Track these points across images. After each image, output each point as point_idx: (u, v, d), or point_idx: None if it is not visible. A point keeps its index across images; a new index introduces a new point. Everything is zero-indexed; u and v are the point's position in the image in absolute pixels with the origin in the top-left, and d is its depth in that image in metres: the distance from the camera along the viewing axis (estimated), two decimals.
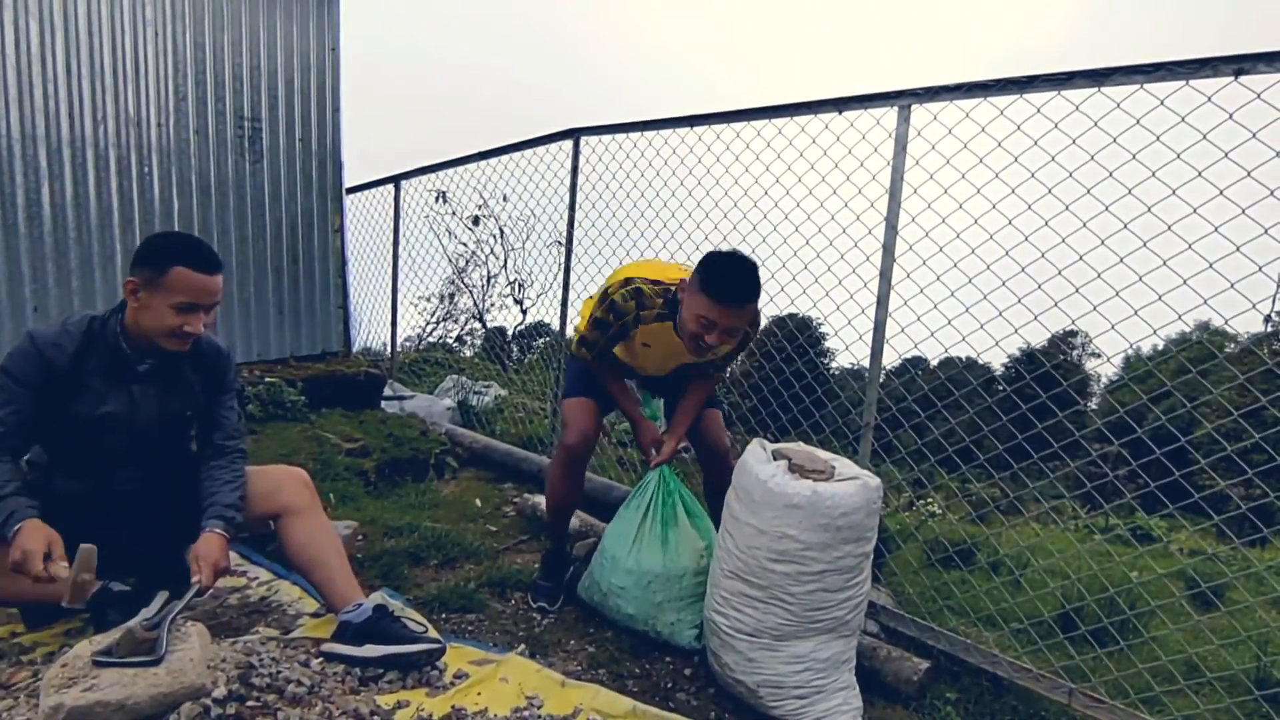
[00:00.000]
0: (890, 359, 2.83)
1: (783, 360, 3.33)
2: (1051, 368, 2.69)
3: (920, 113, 2.63)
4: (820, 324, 3.81)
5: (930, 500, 3.74)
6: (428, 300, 8.61)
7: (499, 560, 2.91)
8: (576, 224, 3.99)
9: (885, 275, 2.69)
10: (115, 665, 1.56)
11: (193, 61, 3.96)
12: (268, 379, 3.89)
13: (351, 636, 1.98)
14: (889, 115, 2.69)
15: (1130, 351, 2.40)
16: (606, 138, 3.78)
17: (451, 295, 8.82)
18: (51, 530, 1.78)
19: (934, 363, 3.20)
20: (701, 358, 2.35)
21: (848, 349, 2.81)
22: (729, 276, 2.15)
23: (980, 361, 2.88)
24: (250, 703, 1.64)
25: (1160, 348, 3.00)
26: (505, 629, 2.44)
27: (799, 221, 2.98)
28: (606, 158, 3.79)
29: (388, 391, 4.85)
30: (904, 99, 2.64)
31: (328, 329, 4.74)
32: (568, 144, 3.97)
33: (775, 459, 2.22)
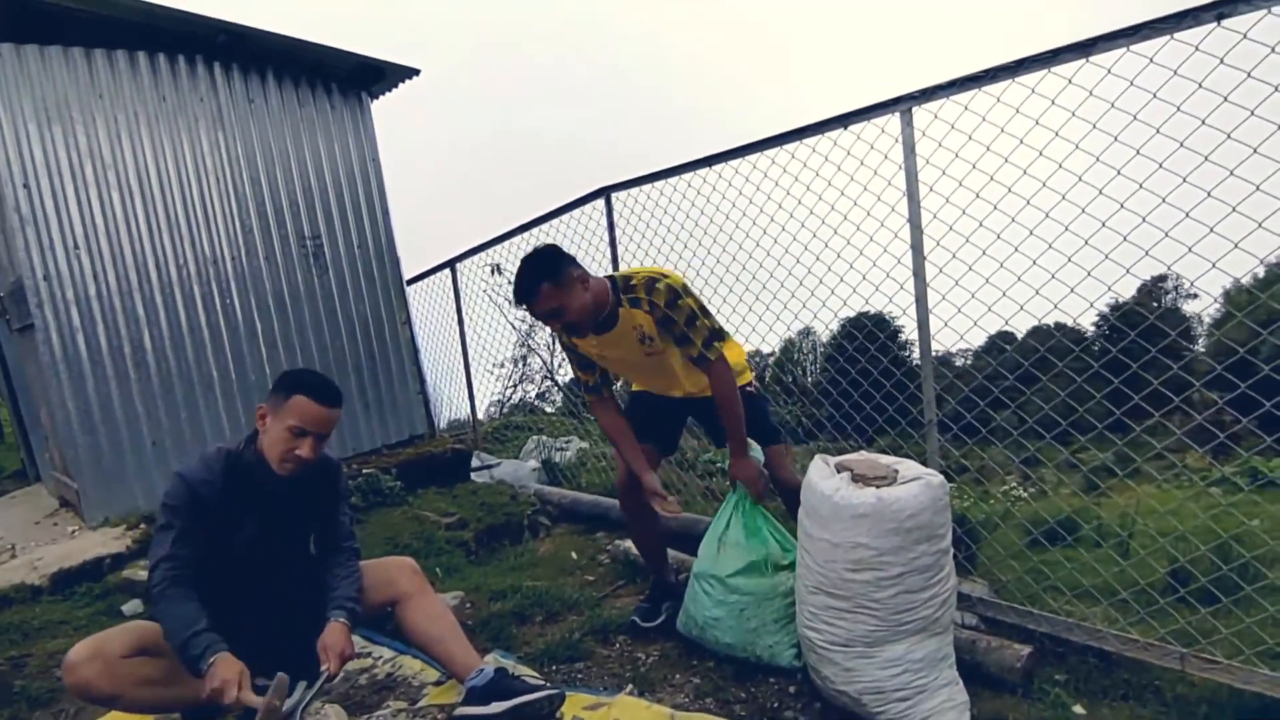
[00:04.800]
0: (978, 338, 2.83)
1: (867, 361, 3.31)
2: (1155, 320, 2.65)
3: (922, 113, 2.70)
4: (897, 319, 3.82)
5: (1014, 486, 3.70)
6: (501, 366, 8.96)
7: (599, 608, 3.04)
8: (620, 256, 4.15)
9: (919, 274, 2.74)
10: None
11: (253, 197, 4.38)
12: (365, 470, 4.17)
13: (479, 698, 2.15)
14: (893, 121, 2.77)
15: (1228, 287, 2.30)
16: (635, 190, 3.95)
17: (524, 357, 9.15)
18: (240, 663, 1.98)
19: (1022, 335, 3.16)
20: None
21: (905, 342, 2.86)
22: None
23: (1072, 326, 2.82)
24: None
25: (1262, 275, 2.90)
26: (612, 672, 2.56)
27: (827, 238, 3.06)
28: (638, 209, 3.96)
29: (475, 462, 5.09)
30: (903, 104, 2.71)
31: (411, 414, 5.06)
32: (600, 202, 4.16)
33: (838, 472, 2.29)
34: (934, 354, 2.81)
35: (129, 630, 2.20)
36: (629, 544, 3.54)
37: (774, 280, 3.33)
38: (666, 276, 2.50)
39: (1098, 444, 2.89)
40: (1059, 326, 2.93)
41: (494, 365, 8.42)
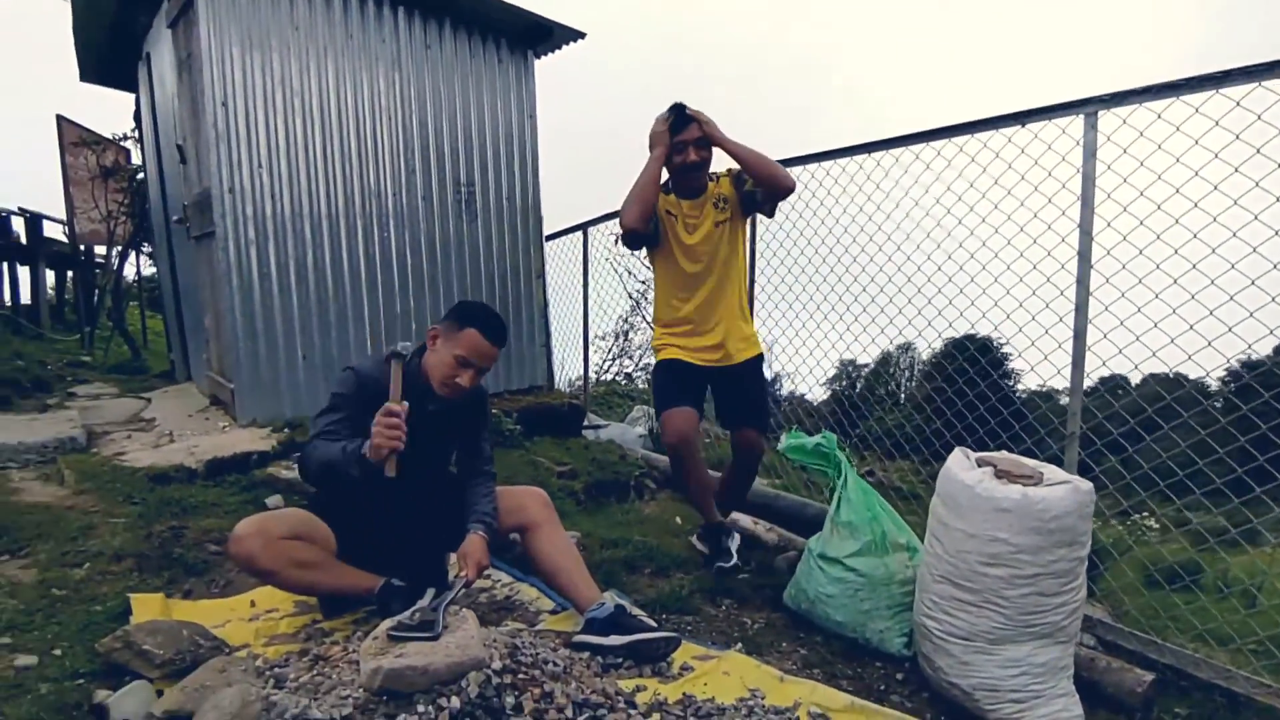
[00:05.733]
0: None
1: (964, 384, 3.32)
2: None
3: (1108, 118, 2.63)
4: (1003, 344, 3.77)
5: (1147, 515, 3.57)
6: (603, 339, 9.11)
7: (706, 570, 3.10)
8: (758, 254, 4.18)
9: (1082, 282, 2.68)
10: (404, 638, 1.88)
11: (419, 138, 4.61)
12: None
13: (598, 629, 2.25)
14: (1075, 124, 2.70)
15: None
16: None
17: (625, 333, 9.28)
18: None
19: (1135, 381, 3.05)
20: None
21: (1046, 358, 2.81)
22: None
23: (1191, 378, 2.75)
24: (520, 675, 1.92)
25: None
26: (720, 630, 2.63)
27: (986, 236, 3.02)
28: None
29: (585, 421, 5.25)
30: (1089, 106, 2.65)
31: (534, 365, 5.28)
32: None
33: (979, 466, 2.28)
34: (1040, 387, 2.75)
35: (289, 514, 2.40)
36: (735, 515, 3.58)
37: (921, 274, 3.29)
38: None
39: (1197, 506, 2.77)
40: (1175, 378, 2.82)
41: (595, 337, 8.61)
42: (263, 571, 2.26)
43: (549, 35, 5.00)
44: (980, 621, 2.18)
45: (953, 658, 2.24)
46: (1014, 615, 2.14)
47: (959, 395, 3.33)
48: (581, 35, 5.04)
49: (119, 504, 3.09)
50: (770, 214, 3.12)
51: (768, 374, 3.94)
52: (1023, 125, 2.87)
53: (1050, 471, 2.24)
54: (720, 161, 2.97)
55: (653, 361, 3.34)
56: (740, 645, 2.47)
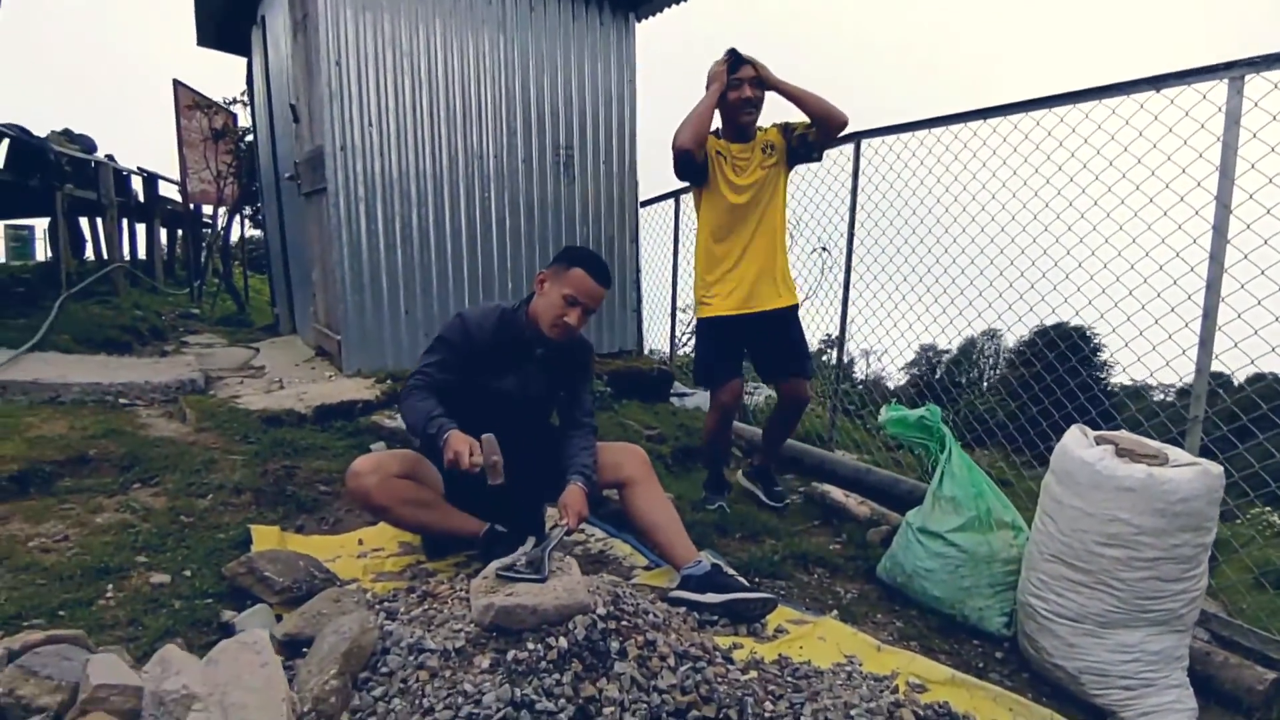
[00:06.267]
0: (1185, 371, 2.65)
1: (1065, 373, 3.21)
2: None
3: (1257, 83, 2.47)
4: (1095, 335, 3.61)
5: (1270, 509, 3.38)
6: (683, 311, 9.08)
7: (796, 538, 3.08)
8: (857, 224, 4.07)
9: (1216, 258, 2.53)
10: (513, 578, 1.94)
11: (520, 102, 4.67)
12: None
13: (695, 586, 2.27)
14: (1217, 89, 2.54)
15: None
16: (891, 138, 3.84)
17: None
18: (469, 437, 2.16)
19: (1239, 379, 2.88)
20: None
21: (1171, 337, 2.67)
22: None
23: None
24: (623, 623, 1.95)
25: None
26: (813, 597, 2.61)
27: (1110, 207, 2.87)
28: (891, 158, 3.85)
29: (671, 388, 5.27)
30: (1236, 70, 2.49)
31: (625, 329, 5.33)
32: (848, 148, 4.05)
33: (1097, 444, 2.19)
34: (1134, 383, 2.61)
35: (402, 456, 2.49)
36: (826, 489, 3.56)
37: (1036, 246, 3.16)
38: None
39: None
40: None
41: (680, 307, 8.59)
42: (376, 507, 2.36)
43: None
44: (1092, 603, 2.11)
45: (1059, 639, 2.18)
46: (1129, 599, 2.06)
47: (1057, 384, 3.21)
48: None
49: (236, 442, 3.26)
50: (818, 159, 3.28)
51: (847, 355, 3.92)
52: (1158, 90, 2.71)
53: (1174, 453, 2.14)
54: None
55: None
56: (835, 613, 2.45)
